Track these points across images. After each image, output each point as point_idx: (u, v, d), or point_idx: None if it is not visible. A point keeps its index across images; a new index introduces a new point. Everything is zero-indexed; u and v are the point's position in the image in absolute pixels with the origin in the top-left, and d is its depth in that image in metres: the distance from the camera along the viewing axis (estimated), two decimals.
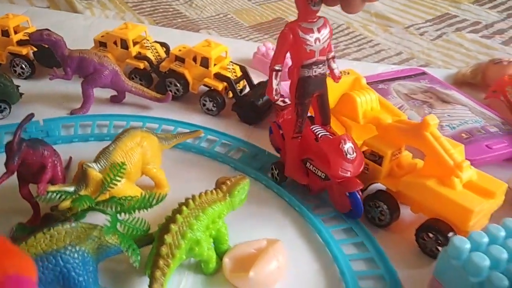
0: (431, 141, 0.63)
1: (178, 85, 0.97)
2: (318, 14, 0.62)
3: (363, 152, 0.69)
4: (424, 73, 1.10)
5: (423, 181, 0.63)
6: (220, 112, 0.95)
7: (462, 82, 1.11)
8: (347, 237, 0.67)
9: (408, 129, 0.67)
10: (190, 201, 0.58)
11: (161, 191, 0.71)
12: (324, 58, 0.64)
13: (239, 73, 0.97)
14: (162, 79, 0.99)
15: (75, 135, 0.85)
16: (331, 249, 0.64)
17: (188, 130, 0.83)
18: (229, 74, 0.95)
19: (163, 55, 1.04)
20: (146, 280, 0.54)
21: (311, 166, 0.69)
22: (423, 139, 0.64)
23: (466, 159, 0.64)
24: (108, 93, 0.98)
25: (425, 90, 1.02)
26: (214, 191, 0.62)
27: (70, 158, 0.77)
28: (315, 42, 0.62)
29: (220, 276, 0.60)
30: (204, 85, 0.95)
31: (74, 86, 0.96)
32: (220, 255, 0.61)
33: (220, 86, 0.94)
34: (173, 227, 0.55)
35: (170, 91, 0.96)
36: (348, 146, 0.64)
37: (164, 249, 0.54)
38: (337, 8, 0.61)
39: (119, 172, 0.62)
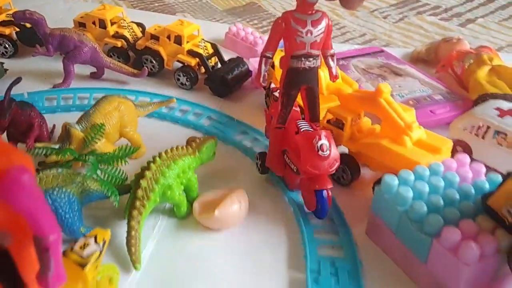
0: (384, 106, 0.72)
1: (154, 61, 1.04)
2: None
3: (328, 120, 0.77)
4: (382, 51, 1.20)
5: (378, 141, 0.72)
6: (193, 86, 1.03)
7: (417, 59, 1.22)
8: None
9: (365, 97, 0.76)
10: (163, 153, 0.67)
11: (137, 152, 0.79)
12: (317, 52, 0.63)
13: (210, 51, 1.05)
14: (138, 56, 1.06)
15: (57, 106, 0.92)
16: (287, 194, 0.73)
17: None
18: (201, 51, 1.03)
19: (139, 34, 1.11)
20: (125, 223, 0.62)
21: (287, 158, 0.69)
22: (378, 105, 0.73)
23: None
24: (88, 70, 1.05)
25: (381, 65, 1.12)
26: (184, 147, 0.70)
27: (54, 126, 0.84)
28: (306, 34, 0.61)
29: (191, 219, 0.68)
30: (178, 61, 1.03)
31: (55, 64, 1.03)
32: (190, 202, 0.69)
33: (193, 61, 1.01)
34: (148, 173, 0.63)
35: (147, 67, 1.04)
36: (322, 142, 0.62)
37: (140, 192, 0.62)
38: None
39: (99, 132, 0.70)
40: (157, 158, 0.65)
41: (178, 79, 1.03)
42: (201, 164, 0.72)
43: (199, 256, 0.63)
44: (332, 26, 0.64)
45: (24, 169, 0.31)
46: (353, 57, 1.16)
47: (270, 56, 0.64)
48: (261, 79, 0.65)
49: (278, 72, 0.93)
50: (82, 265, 0.44)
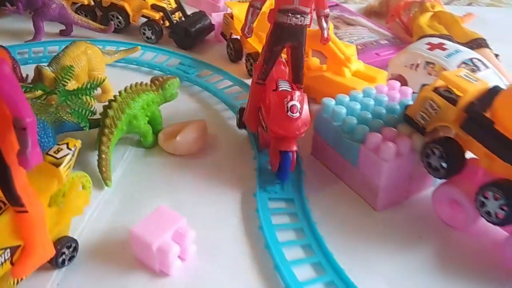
0: None
1: (120, 17, 1.10)
2: None
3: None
4: (337, 5, 1.28)
5: (322, 74, 0.81)
6: (159, 40, 1.10)
7: (370, 12, 1.30)
8: None
9: (310, 35, 0.84)
10: (128, 87, 0.74)
11: (106, 95, 0.86)
12: (306, 9, 0.60)
13: (174, 5, 1.12)
14: (105, 13, 1.12)
15: (29, 58, 0.98)
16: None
17: None
18: (164, 5, 1.09)
19: None
20: (96, 153, 0.70)
21: (260, 115, 0.68)
22: None
23: None
24: (57, 28, 1.10)
25: (335, 17, 1.20)
26: (148, 84, 0.77)
27: (27, 75, 0.90)
28: None
29: (157, 148, 0.76)
30: (143, 16, 1.09)
31: (26, 24, 1.08)
32: (156, 134, 0.77)
33: (157, 15, 1.08)
34: (114, 104, 0.71)
35: (113, 23, 1.09)
36: (292, 103, 0.61)
37: (108, 120, 0.70)
38: None
39: (68, 73, 0.76)
40: (123, 92, 0.73)
41: (144, 33, 1.09)
42: (165, 101, 0.79)
43: (163, 178, 0.71)
44: None
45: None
46: None
47: (259, 6, 0.61)
48: (246, 29, 0.63)
49: (238, 24, 1.01)
50: (57, 165, 0.52)
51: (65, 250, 0.54)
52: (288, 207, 0.66)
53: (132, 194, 0.68)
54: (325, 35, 0.66)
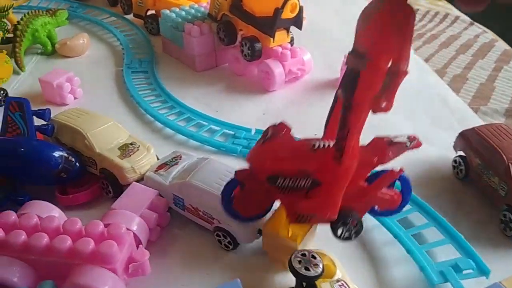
0: None
1: None
2: None
3: None
4: None
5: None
6: None
7: None
8: None
9: None
10: (26, 13, 1.10)
11: None
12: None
13: None
14: None
15: None
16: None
17: None
18: None
19: None
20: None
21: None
22: None
23: None
24: None
25: None
26: (43, 11, 1.14)
27: None
28: None
29: (55, 54, 1.14)
30: None
31: None
32: (53, 44, 1.14)
33: None
34: (21, 22, 1.07)
35: None
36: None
37: (18, 32, 1.05)
38: None
39: None
40: (24, 16, 1.09)
41: None
42: (57, 25, 1.16)
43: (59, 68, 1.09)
44: None
45: None
46: None
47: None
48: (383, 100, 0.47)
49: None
50: None
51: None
52: (144, 77, 1.06)
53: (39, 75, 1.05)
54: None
